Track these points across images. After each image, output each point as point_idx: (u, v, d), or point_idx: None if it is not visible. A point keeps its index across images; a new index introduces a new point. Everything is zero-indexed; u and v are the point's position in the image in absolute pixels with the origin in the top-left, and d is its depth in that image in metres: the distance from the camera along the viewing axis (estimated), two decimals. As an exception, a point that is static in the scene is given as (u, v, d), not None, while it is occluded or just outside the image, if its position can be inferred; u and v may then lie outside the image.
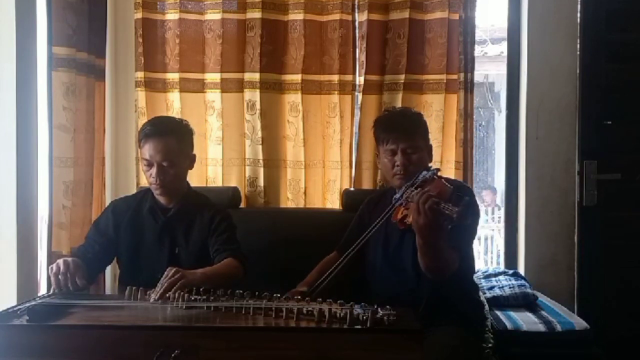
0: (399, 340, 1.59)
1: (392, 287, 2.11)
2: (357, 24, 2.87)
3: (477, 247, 5.82)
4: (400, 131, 2.14)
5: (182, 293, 1.81)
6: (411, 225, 1.90)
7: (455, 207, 1.73)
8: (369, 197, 2.43)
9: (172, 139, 2.16)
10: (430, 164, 2.19)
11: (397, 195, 2.06)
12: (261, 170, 2.89)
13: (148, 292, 1.88)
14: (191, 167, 2.29)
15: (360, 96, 2.87)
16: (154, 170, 2.15)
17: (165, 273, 1.88)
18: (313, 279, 2.12)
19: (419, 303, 1.97)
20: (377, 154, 2.26)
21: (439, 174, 2.03)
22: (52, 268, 1.97)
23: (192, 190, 2.33)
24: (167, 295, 1.81)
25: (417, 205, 1.79)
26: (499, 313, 2.44)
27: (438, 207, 1.75)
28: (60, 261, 1.98)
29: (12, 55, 2.21)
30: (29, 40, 2.30)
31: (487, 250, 6.11)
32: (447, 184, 1.93)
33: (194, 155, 2.30)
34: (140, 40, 2.88)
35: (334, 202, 2.90)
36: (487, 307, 2.36)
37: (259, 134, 2.87)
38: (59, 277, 1.94)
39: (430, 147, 2.23)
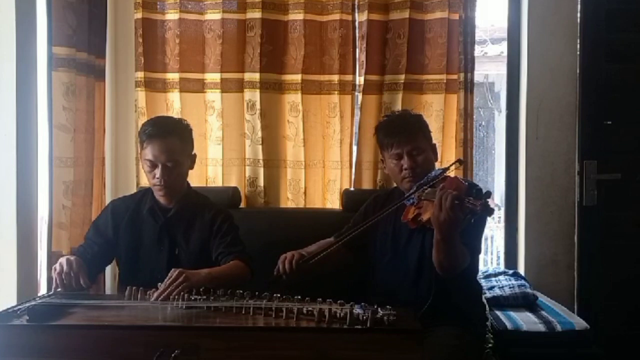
0: (399, 340, 1.60)
1: (396, 287, 2.11)
2: (357, 24, 2.87)
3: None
4: (403, 134, 2.14)
5: (182, 293, 1.82)
6: (426, 223, 1.91)
7: (478, 200, 1.74)
8: (375, 195, 2.44)
9: (175, 139, 2.16)
10: (436, 163, 2.22)
11: (408, 195, 2.05)
12: (261, 170, 2.89)
13: (148, 292, 1.88)
14: (192, 167, 2.28)
15: (360, 96, 2.87)
16: (158, 171, 2.13)
17: (169, 274, 1.88)
18: (312, 250, 2.15)
19: (420, 302, 1.98)
20: (383, 159, 2.26)
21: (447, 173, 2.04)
22: (55, 268, 1.97)
23: (192, 190, 2.32)
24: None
25: (439, 202, 1.78)
26: (499, 313, 2.45)
27: (461, 202, 1.76)
28: (63, 260, 1.98)
29: (12, 55, 2.21)
30: (29, 40, 2.30)
31: (487, 250, 6.09)
32: (461, 180, 1.93)
33: (195, 155, 2.30)
34: (140, 40, 2.88)
35: (334, 202, 2.90)
36: (487, 307, 2.36)
37: (259, 134, 2.87)
38: (63, 276, 1.94)
39: (434, 147, 2.24)
